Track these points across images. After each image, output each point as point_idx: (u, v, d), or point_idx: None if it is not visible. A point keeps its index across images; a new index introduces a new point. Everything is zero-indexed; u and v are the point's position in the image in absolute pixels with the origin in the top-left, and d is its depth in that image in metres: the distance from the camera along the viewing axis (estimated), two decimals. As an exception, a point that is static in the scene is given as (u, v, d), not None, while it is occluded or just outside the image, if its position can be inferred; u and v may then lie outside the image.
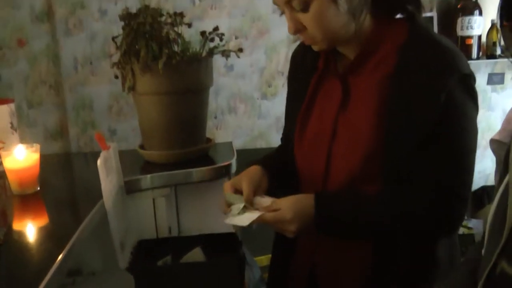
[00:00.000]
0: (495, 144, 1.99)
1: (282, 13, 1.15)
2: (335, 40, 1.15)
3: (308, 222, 1.12)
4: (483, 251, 0.88)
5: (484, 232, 0.90)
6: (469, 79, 1.11)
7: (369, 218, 1.14)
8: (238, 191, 1.20)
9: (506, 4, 0.80)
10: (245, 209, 1.17)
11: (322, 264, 1.24)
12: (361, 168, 1.13)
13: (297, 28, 1.13)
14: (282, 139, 1.43)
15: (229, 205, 1.19)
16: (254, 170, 1.25)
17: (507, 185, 0.82)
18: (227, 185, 1.23)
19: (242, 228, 1.17)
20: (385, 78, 1.13)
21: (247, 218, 1.14)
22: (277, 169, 1.29)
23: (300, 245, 1.28)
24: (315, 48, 1.18)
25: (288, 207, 1.12)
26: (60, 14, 2.92)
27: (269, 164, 1.28)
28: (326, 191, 1.19)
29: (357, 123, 1.15)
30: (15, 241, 1.24)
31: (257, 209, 1.16)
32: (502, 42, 3.01)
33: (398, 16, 1.18)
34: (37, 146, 1.53)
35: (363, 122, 1.14)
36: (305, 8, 1.09)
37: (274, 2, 1.14)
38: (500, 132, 1.92)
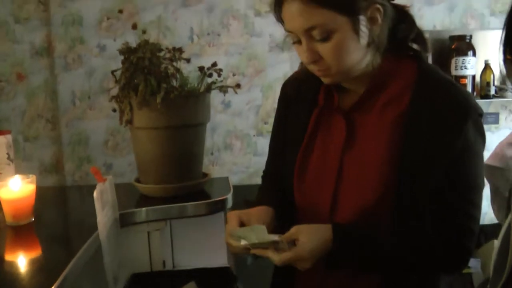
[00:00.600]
0: (486, 170, 1.97)
1: (294, 42, 1.13)
2: (349, 73, 1.13)
3: (322, 257, 1.08)
4: None
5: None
6: (481, 117, 1.13)
7: (382, 257, 1.12)
8: (243, 225, 1.15)
9: (510, 38, 0.81)
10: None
11: None
12: (371, 207, 1.12)
13: (314, 58, 1.10)
14: (266, 175, 1.40)
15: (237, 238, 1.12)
16: (265, 211, 1.20)
17: (509, 225, 0.83)
18: (233, 218, 1.16)
19: (238, 259, 1.11)
20: (398, 116, 1.13)
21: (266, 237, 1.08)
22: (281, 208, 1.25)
23: (301, 281, 1.25)
24: (326, 80, 1.16)
25: (307, 244, 1.06)
26: (59, 49, 2.95)
27: (277, 206, 1.23)
28: (342, 226, 1.13)
29: (368, 162, 1.14)
30: (6, 272, 1.23)
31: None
32: (496, 83, 3.07)
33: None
34: (33, 177, 1.52)
35: (374, 161, 1.13)
36: (326, 38, 1.07)
37: (289, 30, 1.11)
38: (491, 156, 1.90)
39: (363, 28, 1.07)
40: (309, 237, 1.07)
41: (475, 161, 1.13)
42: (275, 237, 1.10)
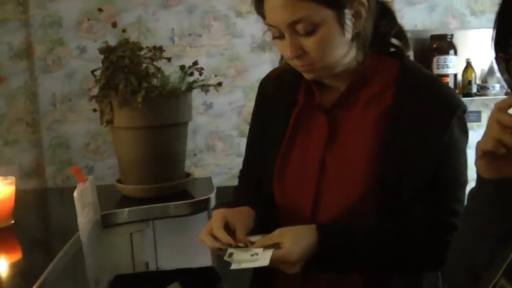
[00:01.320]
0: None
1: (275, 37, 1.09)
2: (332, 68, 1.11)
3: (308, 259, 1.06)
4: None
5: None
6: (464, 113, 1.13)
7: (367, 256, 1.11)
8: (228, 226, 1.11)
9: (500, 35, 0.81)
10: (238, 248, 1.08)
11: None
12: (356, 204, 1.10)
13: (298, 53, 1.07)
14: (243, 175, 1.37)
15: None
16: (248, 212, 1.17)
17: None
18: (218, 218, 1.11)
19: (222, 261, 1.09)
20: (382, 112, 1.12)
21: (264, 256, 1.04)
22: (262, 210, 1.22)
23: (280, 281, 1.22)
24: (309, 76, 1.13)
25: (295, 249, 1.03)
26: (39, 51, 2.91)
27: (258, 207, 1.20)
28: (327, 227, 1.10)
29: (351, 158, 1.12)
30: (-15, 275, 1.21)
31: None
32: (478, 81, 3.09)
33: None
34: (12, 179, 1.50)
35: (358, 157, 1.11)
36: (310, 32, 1.04)
37: (271, 24, 1.08)
38: None
39: (348, 22, 1.06)
40: (296, 241, 1.05)
41: (459, 157, 1.13)
42: (256, 238, 1.08)
